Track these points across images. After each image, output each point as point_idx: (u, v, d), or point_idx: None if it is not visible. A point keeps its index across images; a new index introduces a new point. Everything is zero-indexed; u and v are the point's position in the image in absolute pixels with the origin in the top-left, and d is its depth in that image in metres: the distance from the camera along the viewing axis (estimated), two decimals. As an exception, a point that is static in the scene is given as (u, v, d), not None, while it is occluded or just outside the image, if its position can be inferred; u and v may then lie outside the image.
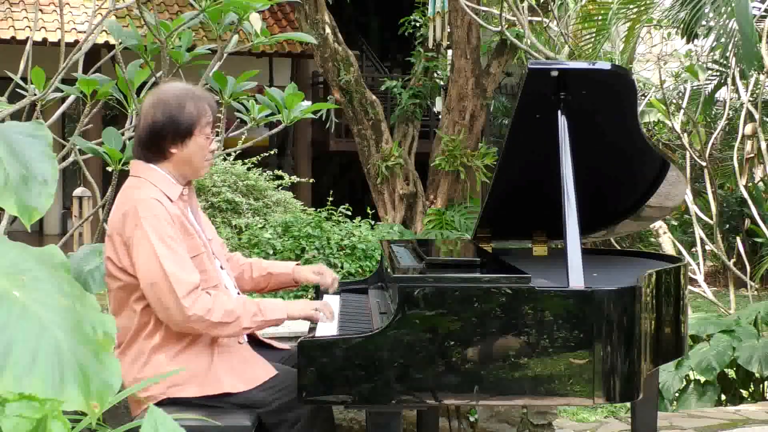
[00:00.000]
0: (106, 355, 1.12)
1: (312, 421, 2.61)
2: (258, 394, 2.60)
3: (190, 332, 2.59)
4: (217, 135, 2.79)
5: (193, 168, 2.68)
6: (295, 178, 6.69)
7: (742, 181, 8.97)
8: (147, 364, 2.58)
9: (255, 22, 2.99)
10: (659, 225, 8.86)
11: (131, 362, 2.61)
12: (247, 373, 2.63)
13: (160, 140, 2.62)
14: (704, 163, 8.34)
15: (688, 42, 7.11)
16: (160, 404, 2.55)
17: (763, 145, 8.44)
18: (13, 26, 12.03)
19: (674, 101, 10.90)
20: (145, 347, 2.60)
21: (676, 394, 5.85)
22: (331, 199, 5.99)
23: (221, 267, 2.80)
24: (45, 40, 11.58)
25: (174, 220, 2.57)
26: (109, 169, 2.88)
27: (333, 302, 2.96)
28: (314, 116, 4.03)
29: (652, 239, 11.27)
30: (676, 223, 12.77)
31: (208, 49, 3.16)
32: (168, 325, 2.58)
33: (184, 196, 2.70)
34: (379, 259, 3.78)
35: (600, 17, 8.25)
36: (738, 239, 9.89)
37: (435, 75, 11.05)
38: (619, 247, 8.70)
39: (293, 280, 3.06)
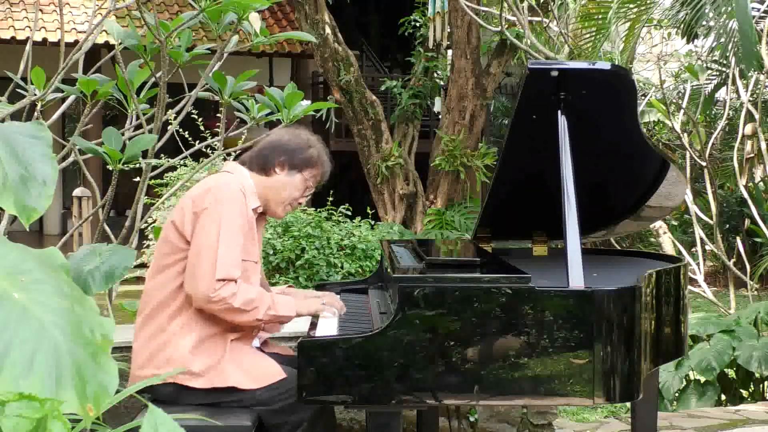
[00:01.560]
0: (104, 358, 1.11)
1: (314, 424, 2.61)
2: (263, 394, 2.62)
3: (206, 311, 2.63)
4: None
5: (277, 198, 2.83)
6: (295, 178, 6.67)
7: (742, 181, 8.95)
8: (167, 345, 2.63)
9: (254, 21, 2.98)
10: (659, 225, 8.86)
11: (149, 337, 2.65)
12: (255, 372, 2.65)
13: (274, 155, 2.82)
14: (704, 163, 8.34)
15: (688, 42, 7.11)
16: (165, 386, 2.60)
17: (763, 145, 8.44)
18: (13, 26, 12.02)
19: (674, 101, 10.89)
20: (165, 325, 2.65)
21: (676, 394, 5.85)
22: (331, 199, 5.99)
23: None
24: (45, 40, 11.58)
25: (247, 218, 2.70)
26: (110, 167, 2.88)
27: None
28: (315, 115, 4.03)
29: (652, 239, 11.27)
30: (676, 223, 12.76)
31: (208, 48, 3.16)
32: (190, 310, 2.63)
33: (257, 213, 2.82)
34: (379, 259, 3.78)
35: (600, 17, 8.24)
36: (738, 239, 9.88)
37: (435, 75, 11.04)
38: (619, 247, 8.69)
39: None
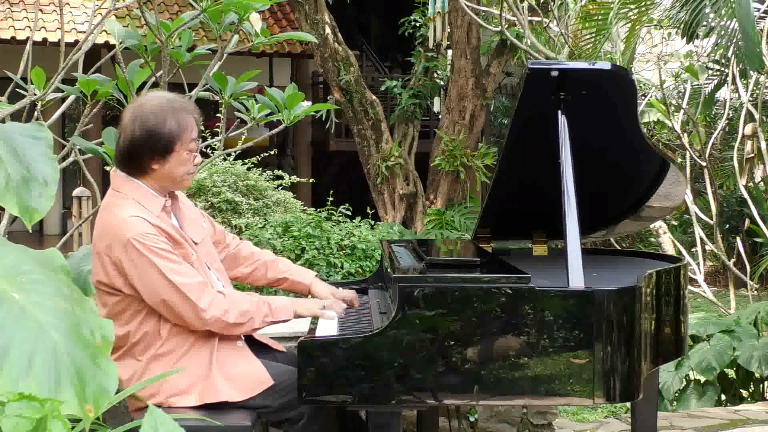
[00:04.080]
0: (103, 359, 1.11)
1: (316, 415, 2.59)
2: (256, 400, 2.59)
3: (203, 331, 2.58)
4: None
5: (174, 182, 2.65)
6: (295, 178, 6.69)
7: (742, 181, 8.96)
8: (144, 374, 2.56)
9: (255, 22, 2.98)
10: (659, 225, 8.86)
11: (126, 373, 2.57)
12: (246, 382, 2.60)
13: (139, 157, 2.57)
14: (704, 163, 8.34)
15: (688, 42, 7.10)
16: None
17: (763, 145, 8.44)
18: (13, 26, 12.02)
19: (674, 101, 10.90)
20: (142, 357, 2.58)
21: (676, 394, 5.85)
22: (331, 199, 5.99)
23: (208, 267, 2.75)
24: (45, 40, 11.58)
25: (160, 233, 2.55)
26: (108, 168, 2.88)
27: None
28: (315, 115, 4.03)
29: (652, 239, 11.27)
30: (676, 223, 12.76)
31: (208, 49, 3.16)
32: (164, 335, 2.57)
33: (167, 207, 2.66)
34: (379, 259, 3.78)
35: (600, 17, 8.24)
36: (738, 239, 9.88)
37: (435, 75, 11.04)
38: (619, 247, 8.69)
39: (309, 292, 3.01)
